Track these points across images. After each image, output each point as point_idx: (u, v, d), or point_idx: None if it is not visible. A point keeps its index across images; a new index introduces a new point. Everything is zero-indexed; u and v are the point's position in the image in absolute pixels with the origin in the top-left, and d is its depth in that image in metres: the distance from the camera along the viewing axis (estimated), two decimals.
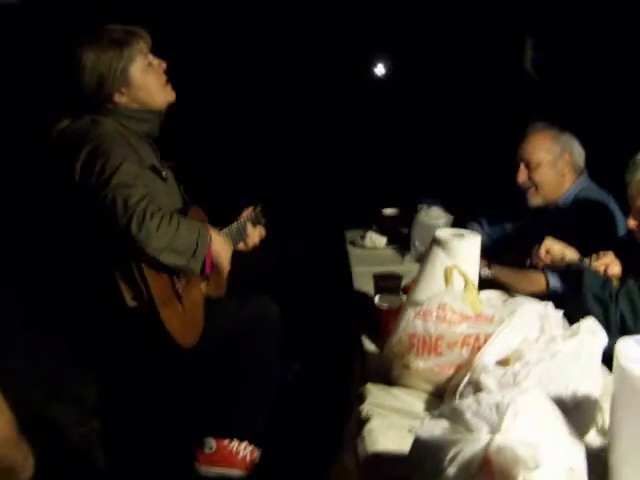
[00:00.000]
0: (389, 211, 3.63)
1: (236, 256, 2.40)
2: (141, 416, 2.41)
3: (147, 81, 2.33)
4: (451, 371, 2.03)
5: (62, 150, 2.18)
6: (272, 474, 2.45)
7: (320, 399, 2.70)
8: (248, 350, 2.44)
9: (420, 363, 2.04)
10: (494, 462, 1.42)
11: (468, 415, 1.53)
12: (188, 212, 2.40)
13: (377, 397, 2.06)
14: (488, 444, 1.45)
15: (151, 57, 2.36)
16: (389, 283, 2.63)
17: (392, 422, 1.90)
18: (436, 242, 2.32)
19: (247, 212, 2.64)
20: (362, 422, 1.93)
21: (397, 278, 2.64)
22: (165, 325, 2.13)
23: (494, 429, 1.48)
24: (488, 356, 1.95)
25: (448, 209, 3.31)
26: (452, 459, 1.48)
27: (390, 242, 3.48)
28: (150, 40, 2.38)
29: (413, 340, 2.05)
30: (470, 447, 1.47)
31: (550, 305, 2.18)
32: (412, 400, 2.04)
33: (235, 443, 2.45)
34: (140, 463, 2.40)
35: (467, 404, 1.57)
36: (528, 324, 2.04)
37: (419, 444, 1.60)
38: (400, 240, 3.42)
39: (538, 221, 3.03)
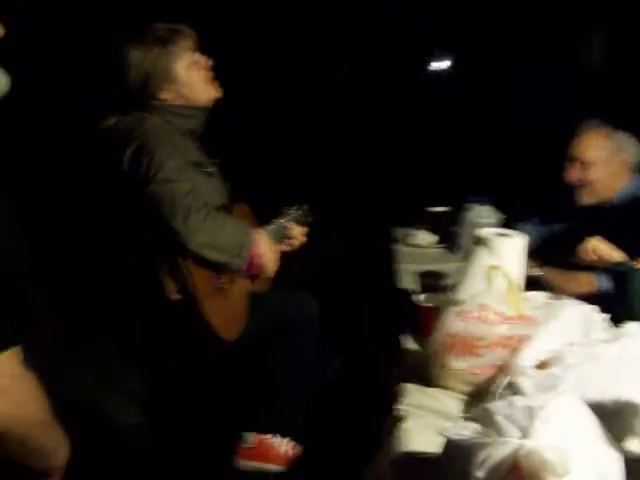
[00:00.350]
0: (439, 209, 3.60)
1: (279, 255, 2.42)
2: (185, 408, 2.44)
3: (191, 78, 2.36)
4: (490, 373, 2.00)
5: (109, 147, 2.23)
6: (310, 471, 2.46)
7: (359, 397, 2.69)
8: (287, 346, 2.45)
9: (459, 363, 2.02)
10: (523, 467, 1.39)
11: (499, 418, 1.50)
12: (233, 209, 2.42)
13: (414, 397, 2.04)
14: (518, 449, 1.42)
15: (196, 55, 2.39)
16: (434, 282, 2.60)
17: (427, 423, 1.88)
18: (479, 241, 2.29)
19: (292, 211, 2.65)
20: (397, 421, 1.92)
21: (442, 277, 2.61)
22: (208, 318, 2.16)
23: (525, 433, 1.46)
24: (527, 358, 1.92)
25: (499, 208, 3.25)
26: (481, 462, 1.46)
27: (440, 241, 3.44)
28: (195, 38, 2.41)
29: (453, 340, 2.02)
30: (499, 451, 1.45)
31: (595, 308, 2.13)
32: (449, 401, 2.01)
33: (274, 438, 2.46)
34: (182, 455, 2.43)
35: (499, 407, 1.54)
36: (570, 327, 2.00)
37: (449, 446, 1.58)
38: (450, 239, 3.38)
39: (590, 221, 2.95)
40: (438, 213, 3.58)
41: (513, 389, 1.85)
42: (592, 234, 2.71)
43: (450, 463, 1.55)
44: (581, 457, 1.42)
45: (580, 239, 2.73)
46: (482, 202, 3.24)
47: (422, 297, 2.44)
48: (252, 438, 2.46)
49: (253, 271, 2.25)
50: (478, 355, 2.00)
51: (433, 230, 3.50)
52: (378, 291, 3.15)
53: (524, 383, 1.83)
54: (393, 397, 2.06)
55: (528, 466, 1.39)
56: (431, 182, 4.61)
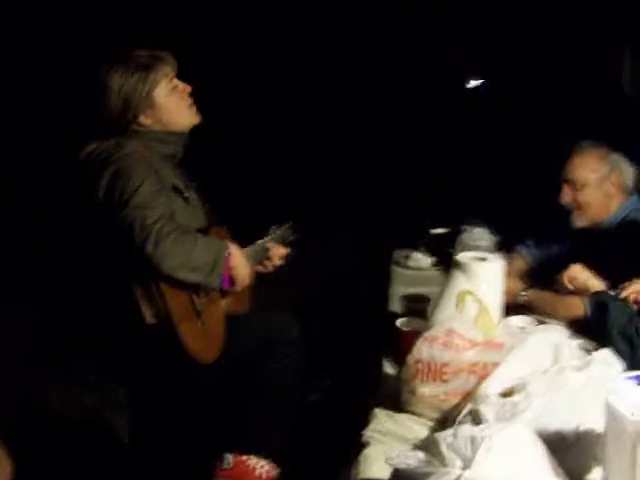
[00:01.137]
0: (438, 231, 3.57)
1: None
2: (165, 427, 2.45)
3: (171, 103, 2.38)
4: (457, 399, 1.97)
5: (89, 172, 2.26)
6: None
7: (340, 420, 2.66)
8: (268, 367, 2.45)
9: (425, 389, 1.99)
10: None
11: (443, 448, 1.49)
12: (211, 232, 2.43)
13: (381, 423, 2.03)
14: (457, 479, 1.40)
15: (176, 81, 2.41)
16: (417, 305, 2.58)
17: (391, 449, 1.86)
18: (456, 265, 2.27)
19: (276, 231, 2.65)
20: (360, 447, 1.90)
21: (425, 301, 2.59)
22: (183, 342, 2.17)
23: (466, 464, 1.44)
24: (492, 385, 1.89)
25: (495, 230, 3.22)
26: None
27: (437, 263, 3.40)
28: (176, 65, 2.44)
29: (418, 366, 2.00)
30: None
31: (567, 333, 2.10)
32: (418, 427, 1.99)
33: (253, 460, 2.45)
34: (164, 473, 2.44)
35: (444, 436, 1.53)
36: (539, 353, 1.96)
37: (395, 475, 1.57)
38: (447, 261, 3.35)
39: (583, 243, 2.90)
40: (439, 235, 3.55)
41: (474, 417, 1.82)
42: (584, 257, 2.66)
43: None
44: None
45: (574, 262, 2.69)
46: (477, 224, 3.21)
47: (401, 321, 2.42)
48: (231, 459, 2.46)
49: (225, 285, 2.26)
50: (444, 381, 1.98)
51: (433, 252, 3.47)
52: (369, 314, 3.13)
53: (485, 411, 1.80)
54: (363, 422, 2.04)
55: None
56: (435, 203, 4.58)
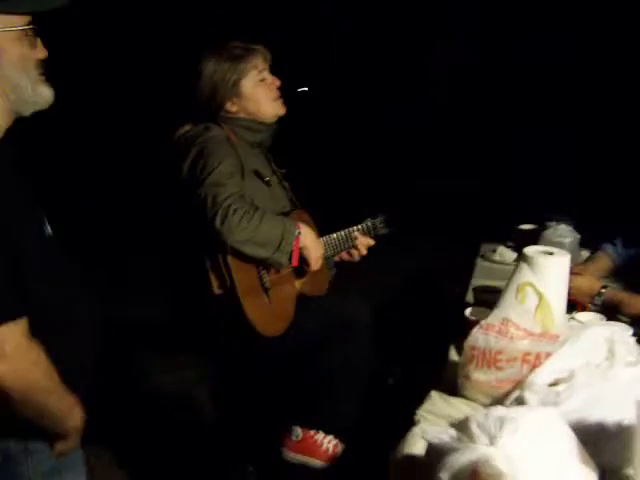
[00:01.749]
0: (526, 227, 3.57)
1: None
2: (234, 397, 2.62)
3: (257, 94, 2.54)
4: (509, 387, 2.02)
5: (178, 151, 2.46)
6: (353, 470, 2.55)
7: (405, 403, 2.74)
8: (338, 348, 2.57)
9: (480, 375, 2.06)
10: (481, 474, 1.45)
11: (473, 426, 1.56)
12: (291, 215, 2.57)
13: (435, 404, 2.10)
14: (480, 456, 1.47)
15: (265, 73, 2.57)
16: (490, 296, 2.63)
17: (437, 430, 1.93)
18: (522, 258, 2.31)
19: (365, 223, 2.76)
20: (410, 425, 1.99)
21: (498, 292, 2.63)
22: (246, 313, 2.32)
23: (492, 442, 1.51)
24: (541, 374, 1.93)
25: (582, 228, 3.21)
26: (448, 466, 1.53)
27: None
28: (269, 58, 2.60)
29: (473, 352, 2.07)
30: (465, 456, 1.51)
31: (625, 330, 2.11)
32: (469, 411, 2.05)
33: (320, 435, 2.58)
34: (232, 442, 2.61)
35: (476, 416, 1.60)
36: (593, 347, 1.98)
37: (428, 449, 1.65)
38: None
39: None
40: (525, 231, 3.55)
41: (519, 403, 1.88)
42: None
43: (428, 465, 1.63)
44: (545, 470, 1.46)
45: None
46: (563, 221, 3.20)
47: (470, 310, 2.48)
48: (300, 432, 2.59)
49: (295, 263, 2.39)
50: (498, 368, 2.03)
51: (517, 247, 3.48)
52: (451, 305, 3.18)
53: (529, 397, 1.85)
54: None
55: (484, 472, 1.44)
56: (524, 199, 4.55)
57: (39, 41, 1.66)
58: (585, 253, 3.28)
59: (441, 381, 2.25)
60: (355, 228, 2.75)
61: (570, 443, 1.54)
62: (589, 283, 2.79)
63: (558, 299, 2.22)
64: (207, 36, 2.64)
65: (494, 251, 3.46)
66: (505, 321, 2.05)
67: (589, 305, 2.72)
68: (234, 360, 2.54)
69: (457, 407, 2.07)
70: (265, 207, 2.44)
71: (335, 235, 2.65)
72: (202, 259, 2.34)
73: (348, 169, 5.97)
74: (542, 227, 3.40)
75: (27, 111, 1.66)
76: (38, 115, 1.69)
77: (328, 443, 2.58)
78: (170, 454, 3.03)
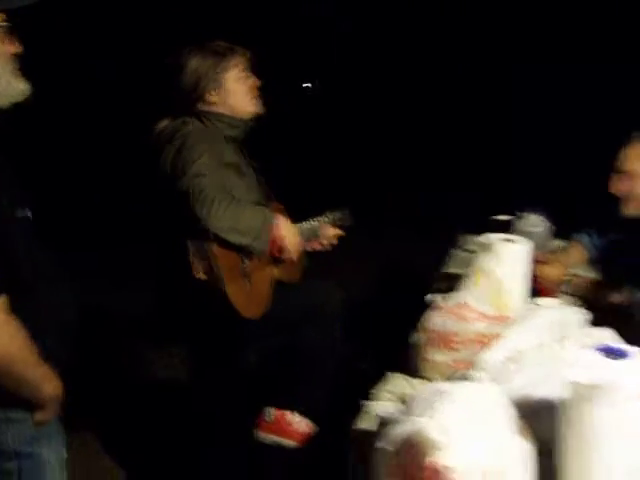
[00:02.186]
0: (501, 218, 3.64)
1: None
2: (211, 378, 2.70)
3: (237, 89, 2.64)
4: (465, 367, 2.10)
5: (159, 146, 2.55)
6: (324, 448, 2.62)
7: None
8: (311, 331, 2.66)
9: (437, 356, 2.14)
10: (416, 443, 1.53)
11: (415, 400, 1.64)
12: (269, 206, 2.66)
13: (393, 384, 2.18)
14: (415, 426, 1.55)
15: (246, 73, 2.66)
16: (451, 282, 2.70)
17: (393, 407, 2.01)
18: (482, 245, 2.40)
19: (332, 214, 2.84)
20: (368, 401, 2.07)
21: (459, 278, 2.70)
22: (230, 297, 2.43)
23: (430, 413, 1.59)
24: (493, 354, 2.00)
25: (557, 218, 3.27)
26: (388, 437, 1.61)
27: None
28: (250, 60, 2.70)
29: (432, 334, 2.15)
30: (402, 427, 1.59)
31: (578, 312, 2.18)
32: None
33: (292, 416, 2.67)
34: (204, 424, 2.69)
35: (420, 390, 1.68)
36: (545, 328, 2.05)
37: (379, 423, 1.74)
38: None
39: (637, 233, 2.92)
40: (501, 221, 3.62)
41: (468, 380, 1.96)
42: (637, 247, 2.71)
43: (375, 436, 1.71)
44: (479, 439, 1.53)
45: (629, 252, 2.74)
46: (534, 211, 3.27)
47: (431, 296, 2.55)
48: (273, 413, 2.68)
49: (275, 252, 2.49)
50: (455, 349, 2.11)
51: None
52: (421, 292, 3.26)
53: (480, 377, 1.93)
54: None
55: (418, 442, 1.52)
56: (501, 190, 4.63)
57: (14, 37, 1.74)
58: (560, 243, 3.34)
59: (403, 363, 2.32)
60: (319, 219, 2.83)
61: (507, 416, 1.61)
62: (556, 271, 2.87)
63: (515, 284, 2.30)
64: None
65: (468, 241, 3.52)
66: (461, 304, 2.13)
67: (557, 293, 2.80)
68: (217, 343, 2.63)
69: (415, 387, 2.14)
70: (241, 198, 2.53)
71: (305, 224, 2.74)
72: (186, 247, 2.44)
73: (336, 164, 6.08)
74: (517, 218, 3.46)
75: (2, 104, 1.74)
76: (26, 107, 1.78)
77: (298, 423, 2.67)
78: (159, 441, 3.12)
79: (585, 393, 1.50)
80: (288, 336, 2.70)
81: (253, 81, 2.69)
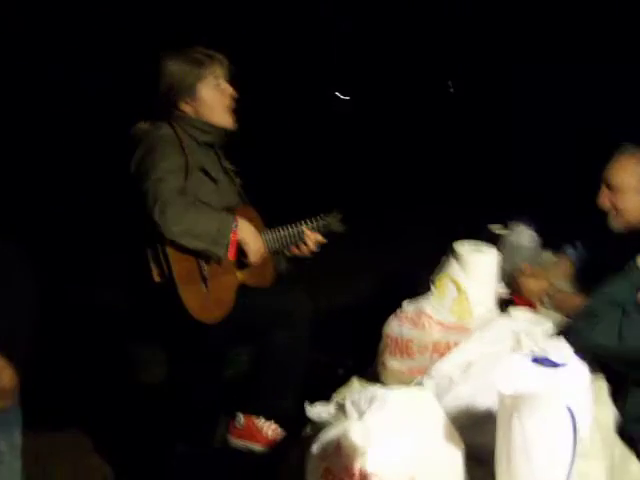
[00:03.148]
0: (496, 228, 3.61)
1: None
2: (177, 383, 2.73)
3: (210, 99, 2.63)
4: (420, 375, 2.09)
5: (130, 148, 2.58)
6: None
7: None
8: (277, 337, 2.65)
9: (393, 363, 2.14)
10: (342, 446, 1.53)
11: (347, 403, 1.65)
12: (237, 210, 2.66)
13: (351, 390, 2.18)
14: (342, 430, 1.56)
15: (222, 82, 2.67)
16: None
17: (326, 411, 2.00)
18: (452, 253, 2.39)
19: (317, 220, 2.83)
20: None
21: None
22: (184, 301, 2.43)
23: (360, 416, 1.59)
24: (444, 362, 2.00)
25: (546, 229, 3.24)
26: (319, 440, 1.62)
27: None
28: (229, 68, 2.70)
29: (387, 340, 2.15)
30: (333, 431, 1.60)
31: (536, 322, 2.16)
32: None
33: (261, 421, 2.67)
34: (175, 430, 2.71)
35: (354, 394, 1.68)
36: (499, 338, 2.04)
37: (311, 425, 1.74)
38: None
39: (623, 246, 2.89)
40: (494, 231, 3.59)
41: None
42: (624, 261, 2.67)
43: (309, 439, 1.71)
44: (406, 443, 1.53)
45: (614, 266, 2.71)
46: (524, 223, 3.24)
47: (407, 301, 2.54)
48: (243, 419, 2.69)
49: (231, 255, 2.48)
50: (410, 357, 2.11)
51: None
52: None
53: (426, 384, 1.92)
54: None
55: (343, 445, 1.53)
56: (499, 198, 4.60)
57: None
58: (551, 256, 3.31)
59: (366, 369, 2.32)
60: (304, 222, 2.81)
61: (438, 421, 1.60)
62: (539, 284, 2.84)
63: (479, 293, 2.29)
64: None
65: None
66: (419, 311, 2.12)
67: (538, 306, 2.78)
68: (175, 346, 2.65)
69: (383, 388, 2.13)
70: (210, 202, 2.55)
71: (283, 230, 2.73)
72: (144, 249, 2.46)
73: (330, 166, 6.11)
74: (507, 228, 3.43)
75: None
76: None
77: (268, 428, 2.67)
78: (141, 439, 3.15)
79: (509, 403, 1.49)
80: (255, 341, 2.70)
81: (230, 92, 2.69)
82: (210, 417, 2.72)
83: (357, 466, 1.48)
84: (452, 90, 6.18)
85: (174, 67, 2.62)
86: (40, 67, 6.47)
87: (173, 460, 2.69)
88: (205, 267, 2.50)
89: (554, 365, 1.59)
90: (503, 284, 2.92)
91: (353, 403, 1.63)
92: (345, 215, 2.98)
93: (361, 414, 1.59)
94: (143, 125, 2.63)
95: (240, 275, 2.64)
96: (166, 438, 2.73)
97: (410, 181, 6.02)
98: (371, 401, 1.61)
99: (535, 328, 2.08)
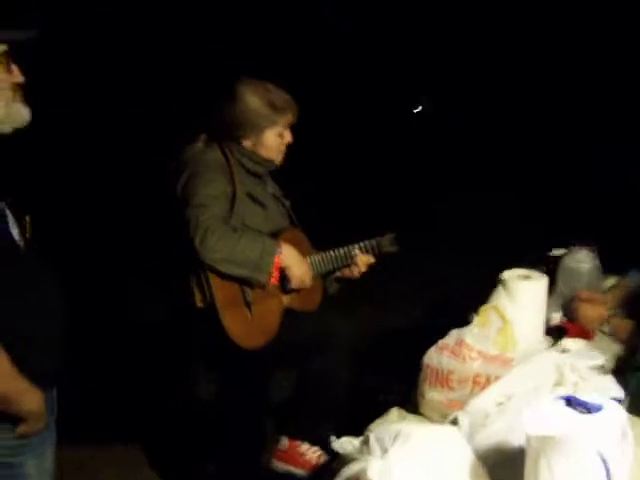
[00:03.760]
0: (557, 252, 3.49)
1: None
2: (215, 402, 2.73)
3: (271, 144, 2.67)
4: (460, 407, 2.03)
5: (178, 170, 2.62)
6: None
7: None
8: (318, 364, 2.65)
9: (433, 394, 2.08)
10: None
11: (372, 439, 1.61)
12: (282, 234, 2.66)
13: (389, 420, 2.14)
14: (362, 467, 1.53)
15: (286, 132, 2.70)
16: None
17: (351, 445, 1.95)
18: (500, 281, 2.32)
19: (368, 241, 2.82)
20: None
21: None
22: (226, 327, 2.44)
23: (383, 454, 1.56)
24: (484, 397, 1.93)
25: (608, 253, 3.12)
26: (340, 475, 1.59)
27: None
28: (296, 116, 2.73)
29: (427, 371, 2.10)
30: (356, 466, 1.57)
31: (593, 356, 2.07)
32: None
33: (305, 446, 2.66)
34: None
35: (379, 429, 1.65)
36: (541, 373, 1.97)
37: (337, 458, 1.71)
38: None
39: None
40: (554, 256, 3.47)
41: (453, 423, 1.89)
42: None
43: (334, 472, 1.68)
44: None
45: None
46: (586, 246, 3.12)
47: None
48: (286, 442, 2.68)
49: (274, 280, 2.48)
50: (450, 388, 2.05)
51: (548, 273, 3.40)
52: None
53: (462, 418, 1.86)
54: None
55: None
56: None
57: (15, 67, 1.84)
58: (613, 281, 3.18)
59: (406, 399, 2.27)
60: (356, 245, 2.81)
61: (464, 460, 1.55)
62: (597, 311, 2.74)
63: (526, 323, 2.21)
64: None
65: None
66: (459, 342, 2.06)
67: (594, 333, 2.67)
68: (218, 368, 2.67)
69: (409, 424, 2.08)
70: (258, 227, 2.56)
71: (333, 252, 2.73)
72: (188, 274, 2.48)
73: (364, 182, 6.07)
74: (567, 252, 3.32)
75: (5, 130, 1.84)
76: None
77: (312, 453, 2.66)
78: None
79: (536, 445, 1.43)
80: (296, 365, 2.70)
81: (288, 138, 2.72)
82: (250, 439, 2.72)
83: None
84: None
85: (252, 105, 2.64)
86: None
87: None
88: (249, 292, 2.51)
89: (587, 409, 1.51)
90: (560, 311, 2.84)
91: (377, 439, 1.60)
92: (398, 236, 2.95)
93: (384, 451, 1.55)
94: (193, 146, 2.65)
95: (286, 299, 2.64)
96: (200, 457, 2.75)
97: (473, 201, 5.90)
98: (395, 438, 1.57)
99: (581, 362, 2.00)
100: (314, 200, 2.96)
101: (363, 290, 3.13)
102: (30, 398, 1.80)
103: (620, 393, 1.89)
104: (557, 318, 2.67)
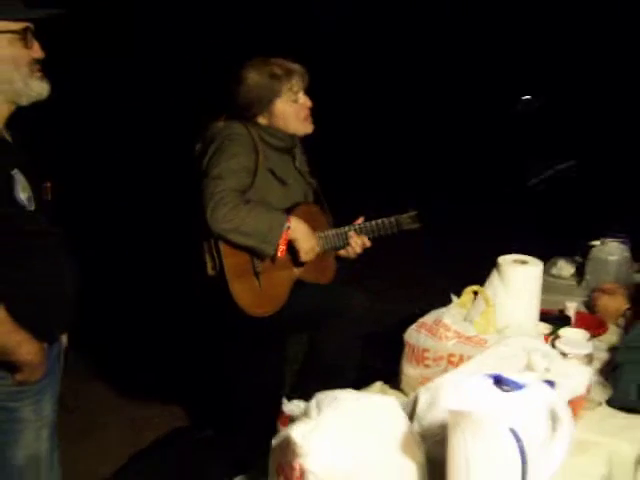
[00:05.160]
0: (595, 242, 3.41)
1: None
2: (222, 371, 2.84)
3: (287, 113, 2.73)
4: None
5: (205, 144, 2.73)
6: None
7: None
8: (329, 332, 2.72)
9: (409, 370, 2.13)
10: (290, 442, 1.58)
11: (312, 402, 1.69)
12: (295, 209, 2.73)
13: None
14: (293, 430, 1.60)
15: (300, 95, 2.75)
16: None
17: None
18: (495, 265, 2.33)
19: (368, 223, 2.86)
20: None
21: None
22: (234, 295, 2.55)
23: (311, 418, 1.63)
24: (452, 378, 1.95)
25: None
26: (280, 435, 1.68)
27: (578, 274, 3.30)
28: (306, 79, 2.78)
29: (406, 347, 2.14)
30: (289, 430, 1.64)
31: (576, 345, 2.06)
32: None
33: None
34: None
35: (321, 394, 1.71)
36: (511, 356, 1.97)
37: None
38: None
39: None
40: (592, 246, 3.39)
41: (415, 400, 1.93)
42: None
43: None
44: (353, 447, 1.55)
45: None
46: (617, 237, 3.05)
47: None
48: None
49: (280, 253, 2.55)
50: (426, 366, 2.09)
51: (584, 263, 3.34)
52: None
53: (421, 397, 1.90)
54: None
55: (288, 443, 1.57)
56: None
57: (35, 43, 1.99)
58: None
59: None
60: (354, 228, 2.84)
61: (396, 430, 1.59)
62: (617, 303, 2.69)
63: (516, 307, 2.21)
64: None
65: (555, 264, 3.36)
66: (437, 321, 2.09)
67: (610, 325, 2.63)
68: (231, 337, 2.78)
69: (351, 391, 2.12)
70: (276, 203, 2.65)
71: (332, 231, 2.79)
72: (200, 242, 2.61)
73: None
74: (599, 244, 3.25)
75: (23, 102, 2.00)
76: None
77: None
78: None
79: (454, 420, 1.46)
80: (308, 332, 2.77)
81: (304, 102, 2.77)
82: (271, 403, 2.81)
83: (298, 463, 1.51)
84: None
85: (253, 82, 2.73)
86: None
87: None
88: (258, 263, 2.61)
89: (513, 387, 1.52)
90: (580, 300, 2.80)
91: (317, 403, 1.66)
92: (420, 213, 2.97)
93: (315, 415, 1.61)
94: (216, 124, 2.76)
95: (297, 271, 2.72)
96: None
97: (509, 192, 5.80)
98: (331, 402, 1.63)
99: (545, 347, 1.99)
100: (343, 178, 2.99)
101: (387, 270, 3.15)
102: (27, 349, 1.93)
103: (584, 379, 1.87)
104: (572, 307, 2.63)
